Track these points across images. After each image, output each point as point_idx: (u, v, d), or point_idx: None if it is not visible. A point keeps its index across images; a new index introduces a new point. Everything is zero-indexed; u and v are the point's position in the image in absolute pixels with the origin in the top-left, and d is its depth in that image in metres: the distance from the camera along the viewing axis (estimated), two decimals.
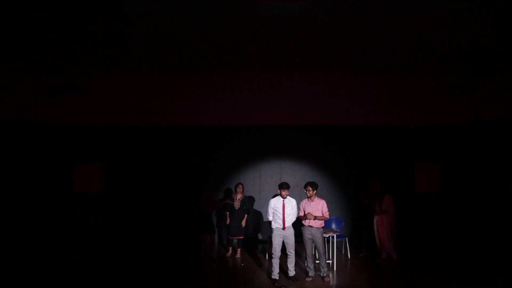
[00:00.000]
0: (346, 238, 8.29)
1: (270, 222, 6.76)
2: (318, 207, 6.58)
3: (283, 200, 6.56)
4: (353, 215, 9.03)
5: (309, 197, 6.64)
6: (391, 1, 4.50)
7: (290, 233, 6.57)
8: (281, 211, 6.52)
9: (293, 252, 6.60)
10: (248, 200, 8.45)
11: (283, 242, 6.61)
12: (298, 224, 6.93)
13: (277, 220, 6.56)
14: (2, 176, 7.70)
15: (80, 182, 8.60)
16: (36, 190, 7.96)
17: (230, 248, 8.24)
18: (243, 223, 8.09)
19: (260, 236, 9.27)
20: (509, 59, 6.80)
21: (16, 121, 7.81)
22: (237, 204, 8.07)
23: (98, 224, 8.68)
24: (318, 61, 7.25)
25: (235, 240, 8.14)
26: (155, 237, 8.80)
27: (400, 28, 5.35)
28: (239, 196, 8.13)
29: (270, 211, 6.62)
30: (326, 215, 6.61)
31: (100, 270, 7.20)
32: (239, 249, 8.16)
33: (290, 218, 6.57)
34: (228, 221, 8.08)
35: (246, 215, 8.13)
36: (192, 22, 5.17)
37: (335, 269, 7.22)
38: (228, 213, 8.11)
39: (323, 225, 6.72)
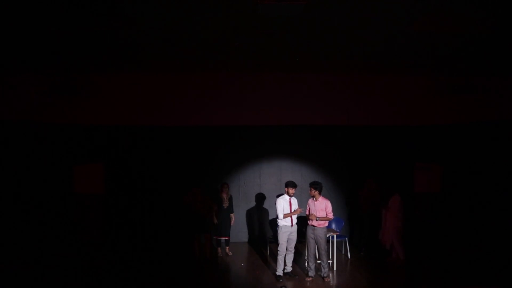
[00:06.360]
0: (346, 238, 8.29)
1: (273, 221, 6.81)
2: (321, 207, 6.60)
3: (289, 199, 6.69)
4: (352, 214, 9.04)
5: (312, 197, 6.67)
6: (391, 1, 4.50)
7: (295, 229, 6.76)
8: (289, 209, 6.67)
9: (293, 248, 6.80)
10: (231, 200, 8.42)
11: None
12: (301, 224, 6.94)
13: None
14: (2, 176, 7.70)
15: (80, 182, 8.61)
16: (36, 190, 7.96)
17: (219, 248, 8.22)
18: (232, 222, 8.14)
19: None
20: (510, 59, 6.80)
21: (16, 121, 7.81)
22: (226, 204, 8.07)
23: (98, 224, 8.68)
24: (318, 61, 7.25)
25: (222, 240, 8.14)
26: (155, 237, 8.79)
27: (400, 28, 5.35)
28: (227, 196, 8.13)
29: (280, 208, 6.67)
30: (330, 215, 6.62)
31: (100, 270, 7.20)
32: (227, 247, 8.18)
33: (296, 216, 6.76)
34: (215, 221, 7.98)
35: (233, 214, 8.16)
36: (191, 22, 5.16)
37: (335, 269, 7.22)
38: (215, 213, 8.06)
39: (327, 225, 6.74)
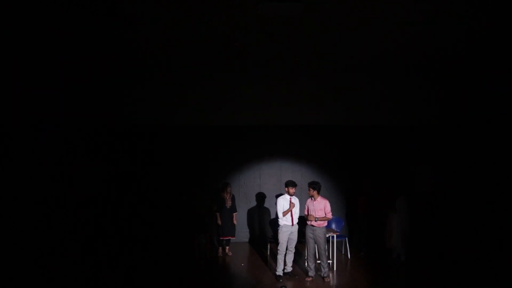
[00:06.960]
0: (346, 238, 8.29)
1: (274, 221, 6.80)
2: (320, 206, 6.60)
3: (290, 198, 6.71)
4: (352, 214, 9.03)
5: (311, 197, 6.68)
6: (391, 1, 4.51)
7: (296, 229, 6.77)
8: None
9: (294, 248, 6.80)
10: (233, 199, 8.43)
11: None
12: (301, 224, 6.95)
13: (286, 217, 6.67)
14: (1, 176, 7.68)
15: (80, 182, 8.59)
16: (35, 190, 7.94)
17: (220, 248, 8.22)
18: (235, 221, 8.12)
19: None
20: (508, 59, 6.80)
21: (17, 120, 7.79)
22: (228, 204, 8.08)
23: (98, 224, 8.66)
24: (318, 61, 7.26)
25: (224, 240, 8.14)
26: (155, 237, 8.78)
27: (400, 27, 5.36)
28: (229, 195, 8.13)
29: (281, 208, 6.69)
30: (329, 215, 6.62)
31: (99, 270, 7.20)
32: (227, 247, 8.18)
33: (297, 216, 6.78)
34: (220, 222, 8.04)
35: (235, 214, 8.15)
36: (192, 22, 5.17)
37: (335, 269, 7.22)
38: (218, 214, 8.07)
39: (326, 224, 6.74)
